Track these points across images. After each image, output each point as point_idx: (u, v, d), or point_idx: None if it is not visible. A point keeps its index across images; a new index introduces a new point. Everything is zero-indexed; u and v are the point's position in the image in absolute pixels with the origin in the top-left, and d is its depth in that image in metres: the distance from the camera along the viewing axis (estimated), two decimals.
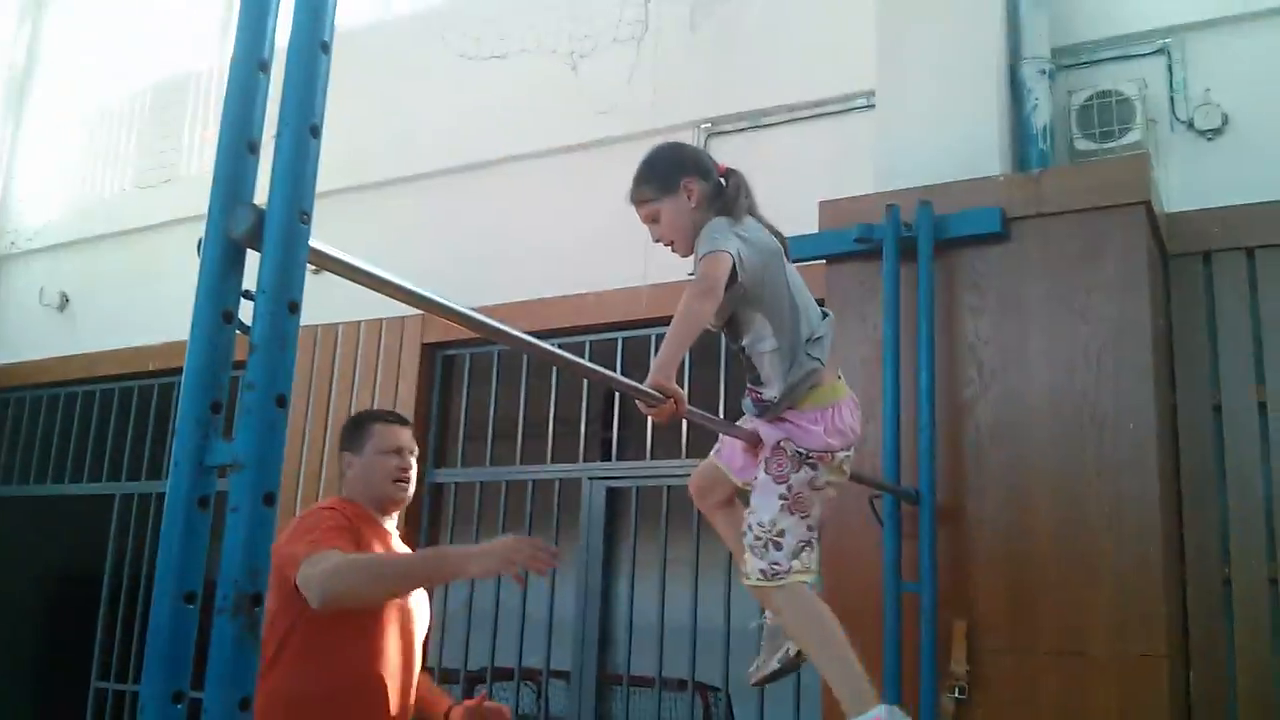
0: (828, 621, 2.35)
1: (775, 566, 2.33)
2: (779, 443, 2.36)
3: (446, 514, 5.29)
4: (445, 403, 5.44)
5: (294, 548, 2.52)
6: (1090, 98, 4.01)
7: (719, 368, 4.47)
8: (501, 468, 5.31)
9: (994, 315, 3.55)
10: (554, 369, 4.97)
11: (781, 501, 2.33)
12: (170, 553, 1.19)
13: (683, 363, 2.23)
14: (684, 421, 4.19)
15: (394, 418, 3.02)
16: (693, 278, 2.29)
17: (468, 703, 2.91)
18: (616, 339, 4.89)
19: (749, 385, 2.45)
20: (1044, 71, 4.01)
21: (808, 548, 2.37)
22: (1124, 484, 3.27)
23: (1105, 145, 3.94)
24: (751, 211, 2.43)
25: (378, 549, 2.72)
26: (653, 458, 4.81)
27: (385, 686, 2.67)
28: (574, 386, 5.05)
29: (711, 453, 2.63)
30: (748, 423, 2.48)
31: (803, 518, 2.35)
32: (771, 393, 2.37)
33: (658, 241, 2.48)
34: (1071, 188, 3.55)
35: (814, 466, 2.35)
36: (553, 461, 5.15)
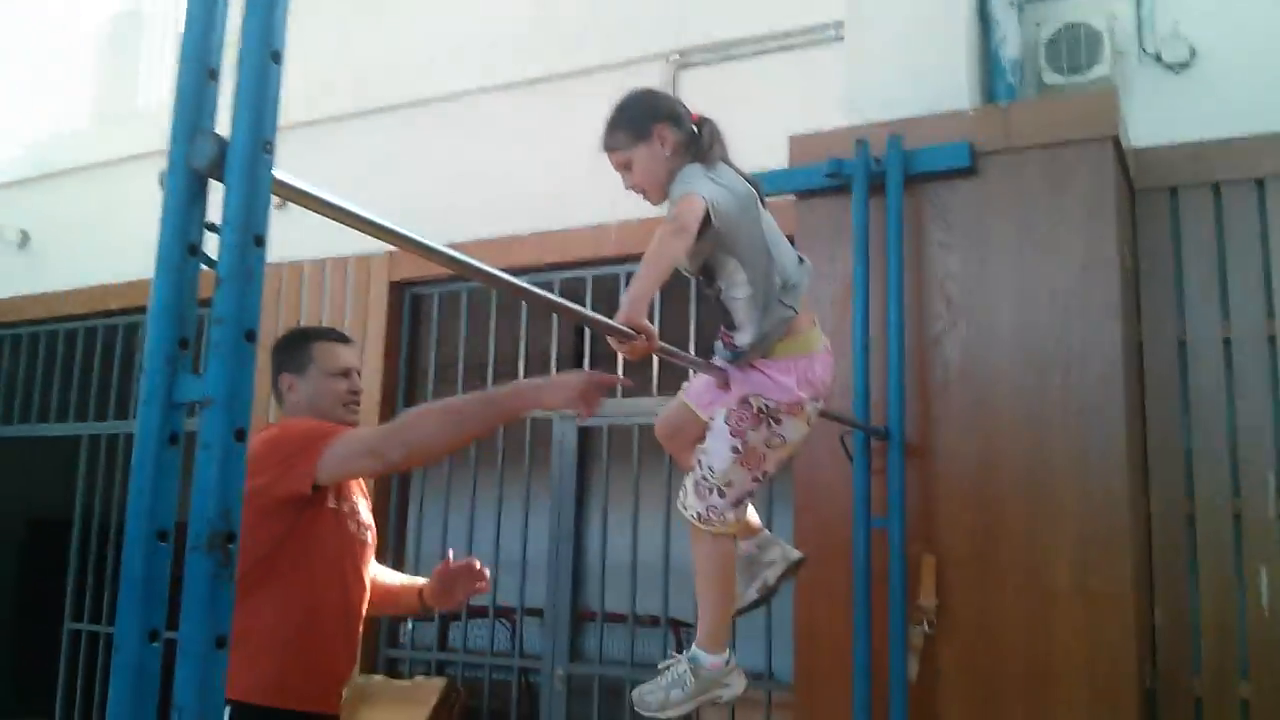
0: (731, 573, 2.47)
1: (712, 512, 2.36)
2: (746, 396, 2.35)
3: None
4: (414, 341, 5.41)
5: (298, 459, 2.45)
6: (1058, 30, 3.98)
7: (688, 305, 4.46)
8: None
9: (962, 251, 3.56)
10: (523, 307, 4.95)
11: (735, 455, 2.33)
12: (141, 491, 1.18)
13: (652, 301, 2.22)
14: (654, 359, 4.19)
15: (336, 335, 2.88)
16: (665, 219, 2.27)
17: (436, 569, 2.88)
18: (585, 277, 4.87)
19: (722, 329, 2.44)
20: (1012, 3, 3.98)
21: (748, 499, 2.43)
22: (1090, 420, 3.30)
23: (1073, 79, 3.93)
24: (725, 159, 2.41)
25: None
26: (624, 396, 4.81)
27: (342, 619, 2.66)
28: (544, 325, 5.04)
29: (680, 392, 2.63)
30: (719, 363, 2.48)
31: (752, 471, 2.36)
32: (744, 339, 2.36)
33: (630, 189, 2.45)
34: (1039, 122, 3.54)
35: (777, 421, 2.34)
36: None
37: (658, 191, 2.40)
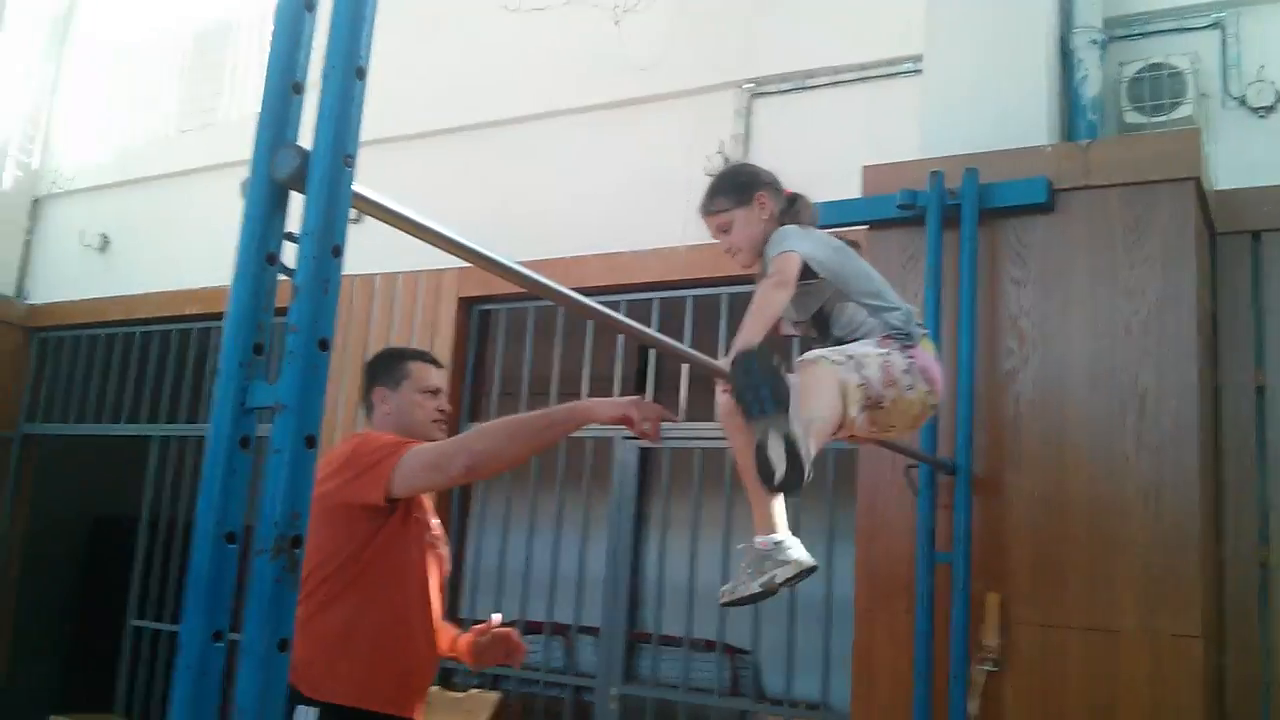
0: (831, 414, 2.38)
1: (840, 367, 2.38)
2: (885, 335, 2.50)
3: None
4: (480, 357, 5.45)
5: (373, 469, 2.54)
6: (1142, 70, 3.93)
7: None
8: None
9: (1037, 287, 3.51)
10: (589, 327, 4.97)
11: (880, 357, 2.44)
12: (211, 493, 1.20)
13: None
14: (718, 385, 4.19)
15: (430, 358, 3.03)
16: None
17: (477, 627, 2.93)
18: (653, 299, 4.87)
19: None
20: (1095, 41, 3.93)
21: (864, 388, 2.41)
22: (1163, 461, 3.23)
23: (1155, 119, 3.87)
24: (814, 225, 2.63)
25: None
26: (687, 419, 4.80)
27: (426, 625, 2.74)
28: (608, 346, 5.05)
29: None
30: None
31: (877, 387, 2.41)
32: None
33: (726, 251, 2.64)
34: (1120, 160, 3.49)
35: (909, 360, 2.46)
36: None
37: (752, 253, 2.60)
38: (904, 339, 2.51)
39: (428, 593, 2.75)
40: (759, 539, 2.51)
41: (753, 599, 2.49)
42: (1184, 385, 3.24)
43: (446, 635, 2.93)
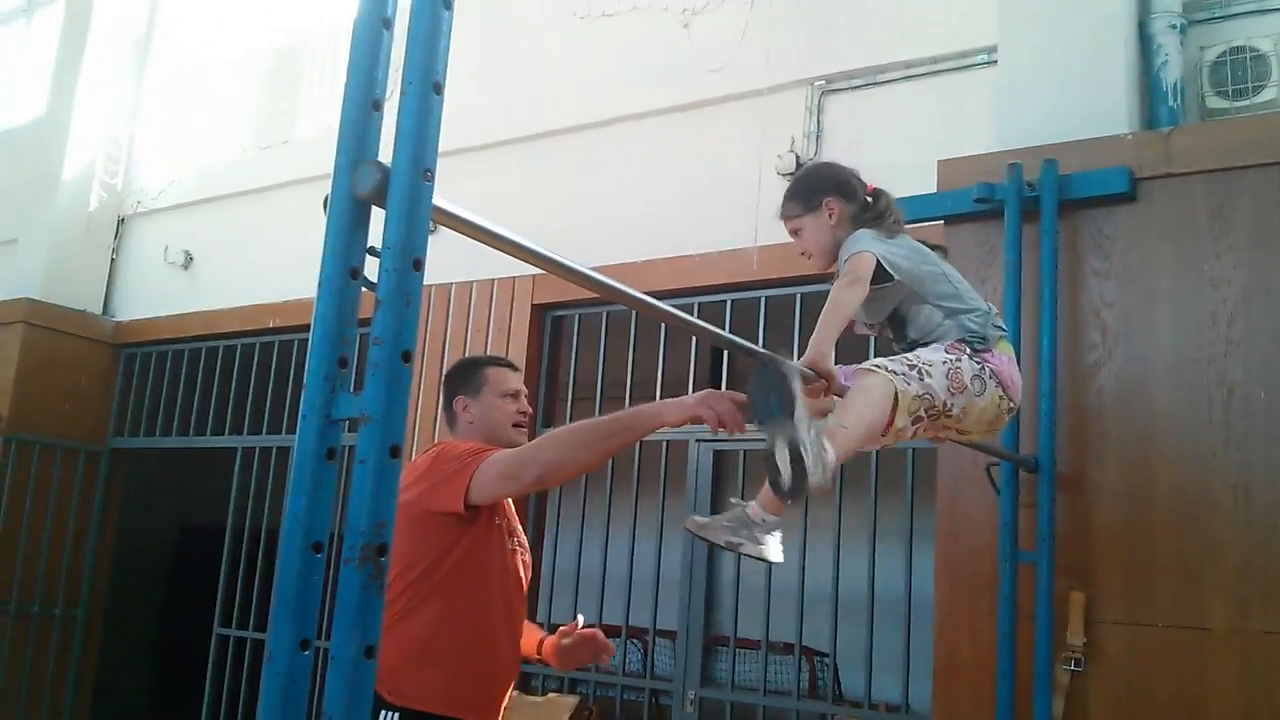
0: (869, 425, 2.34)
1: (897, 377, 2.32)
2: (956, 340, 2.47)
3: None
4: (554, 363, 5.47)
5: (453, 477, 2.56)
6: (1223, 53, 3.83)
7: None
8: None
9: (1119, 278, 3.44)
10: (663, 330, 4.97)
11: (946, 364, 2.40)
12: (298, 503, 1.22)
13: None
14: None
15: (506, 362, 3.07)
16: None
17: (562, 628, 2.96)
18: (725, 300, 4.86)
19: None
20: (1174, 26, 3.85)
21: (925, 399, 2.36)
22: (1252, 454, 3.15)
23: (1238, 103, 3.77)
24: (899, 227, 2.56)
25: None
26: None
27: (508, 631, 2.76)
28: (682, 349, 5.04)
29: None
30: None
31: (945, 394, 2.37)
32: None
33: (801, 254, 2.65)
34: (1203, 147, 3.41)
35: (980, 364, 2.43)
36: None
37: (824, 258, 2.59)
38: (978, 342, 2.46)
39: (510, 598, 2.76)
40: (754, 505, 2.41)
41: (711, 546, 2.44)
42: (1272, 376, 3.17)
43: (531, 637, 2.95)
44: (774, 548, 2.41)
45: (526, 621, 3.07)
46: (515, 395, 2.96)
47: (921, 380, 2.34)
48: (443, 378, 3.12)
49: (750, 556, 2.38)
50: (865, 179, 2.63)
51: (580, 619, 2.99)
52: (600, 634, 2.96)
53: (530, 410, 2.98)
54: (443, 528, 2.62)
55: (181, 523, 8.37)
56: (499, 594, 2.73)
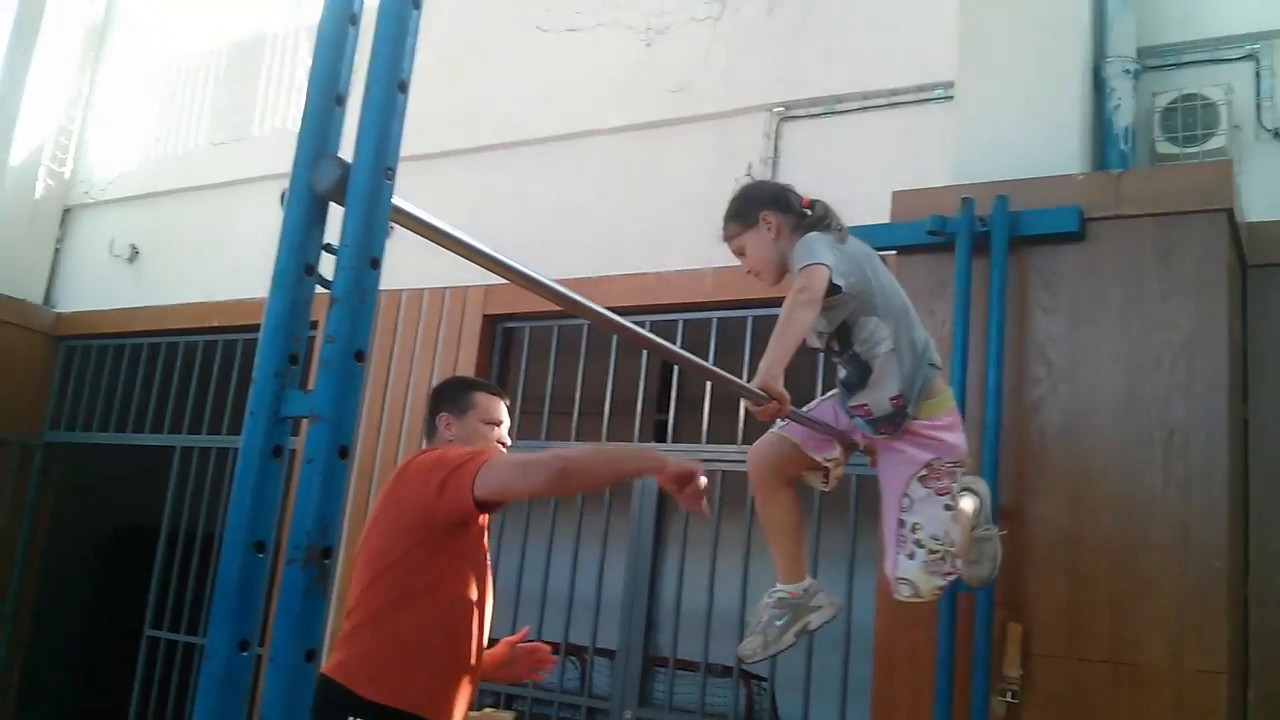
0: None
1: (949, 576, 2.46)
2: (929, 461, 2.48)
3: None
4: (504, 375, 5.44)
5: (460, 470, 2.59)
6: (1174, 100, 3.92)
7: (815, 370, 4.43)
8: (556, 443, 5.31)
9: (1066, 315, 3.49)
10: (613, 347, 4.96)
11: (948, 512, 2.44)
12: (242, 502, 1.19)
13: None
14: (741, 409, 4.18)
15: (496, 390, 3.11)
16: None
17: (508, 639, 3.01)
18: (678, 320, 4.86)
19: (852, 404, 2.55)
20: (1129, 71, 3.93)
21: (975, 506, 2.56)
22: (1191, 495, 3.20)
23: (1188, 150, 3.85)
24: (839, 231, 2.56)
25: None
26: (708, 441, 4.79)
27: (479, 634, 2.78)
28: (631, 367, 5.04)
29: (774, 429, 2.63)
30: (839, 421, 2.62)
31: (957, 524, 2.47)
32: (882, 399, 2.46)
33: (748, 273, 2.64)
34: (1152, 190, 3.47)
35: (953, 476, 2.50)
36: (608, 440, 5.14)
37: (771, 272, 2.58)
38: (916, 393, 2.48)
39: (482, 603, 2.80)
40: (788, 587, 2.56)
41: (790, 649, 2.58)
42: (1213, 419, 3.22)
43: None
44: (825, 596, 2.61)
45: None
46: (498, 424, 3.01)
47: (954, 558, 2.44)
48: (430, 391, 3.18)
49: (827, 621, 2.58)
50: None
51: (525, 630, 3.04)
52: (544, 647, 3.01)
53: (510, 443, 3.02)
54: (440, 526, 2.65)
55: (115, 521, 8.20)
56: (475, 599, 2.75)
